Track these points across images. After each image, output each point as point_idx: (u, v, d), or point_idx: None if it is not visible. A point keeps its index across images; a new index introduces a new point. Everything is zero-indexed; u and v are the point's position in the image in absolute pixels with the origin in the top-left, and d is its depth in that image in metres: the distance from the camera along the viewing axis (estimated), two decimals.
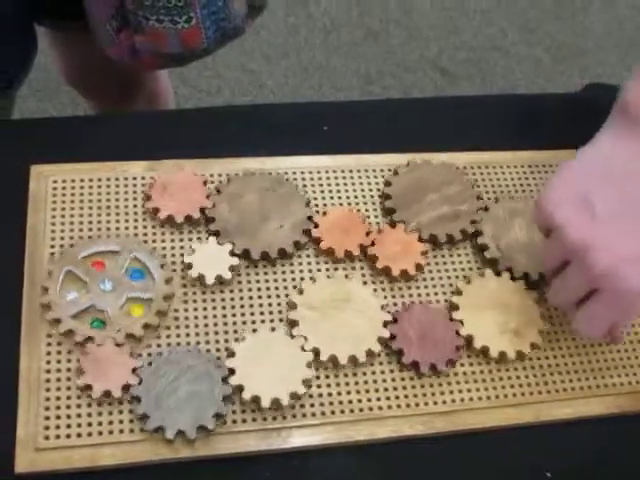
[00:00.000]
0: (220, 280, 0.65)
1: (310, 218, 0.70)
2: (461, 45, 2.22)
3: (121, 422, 0.58)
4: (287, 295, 0.66)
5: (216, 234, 0.67)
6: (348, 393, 0.62)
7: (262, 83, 2.05)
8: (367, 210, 0.72)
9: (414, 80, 2.12)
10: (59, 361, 0.60)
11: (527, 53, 2.24)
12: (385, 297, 0.67)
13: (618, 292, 0.58)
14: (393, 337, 0.64)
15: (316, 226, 0.69)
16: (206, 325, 0.64)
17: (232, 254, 0.66)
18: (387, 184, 0.73)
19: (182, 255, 0.66)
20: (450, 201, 0.72)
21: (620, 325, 0.63)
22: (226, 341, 0.63)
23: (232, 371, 0.60)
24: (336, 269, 0.68)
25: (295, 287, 0.67)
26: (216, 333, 0.63)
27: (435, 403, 0.63)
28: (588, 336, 0.66)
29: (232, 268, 0.65)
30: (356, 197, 0.73)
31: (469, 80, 2.15)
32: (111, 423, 0.58)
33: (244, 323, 0.64)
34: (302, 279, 0.67)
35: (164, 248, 0.67)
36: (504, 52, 2.23)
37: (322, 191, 0.73)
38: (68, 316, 0.61)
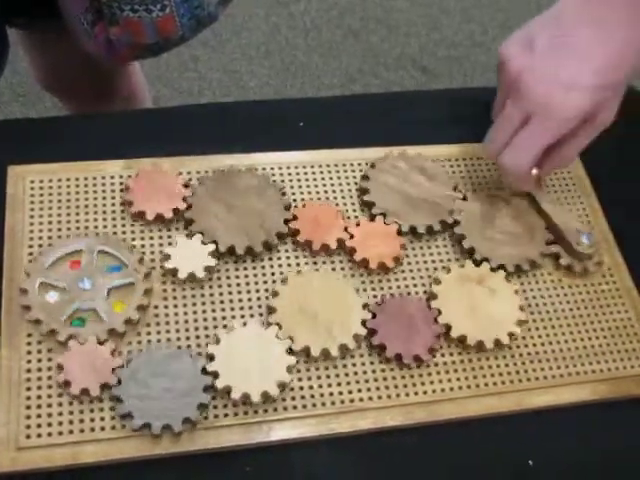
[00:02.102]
0: (199, 276, 0.65)
1: (288, 213, 0.70)
2: (441, 42, 2.22)
3: (102, 419, 0.58)
4: (266, 290, 0.66)
5: (194, 231, 0.67)
6: (329, 386, 0.63)
7: (244, 83, 2.05)
8: (345, 204, 0.73)
9: (395, 78, 2.13)
10: (39, 360, 0.60)
11: None
12: (364, 290, 0.68)
13: (546, 113, 0.63)
14: (372, 330, 0.65)
15: (294, 221, 0.69)
16: (186, 321, 0.64)
17: (211, 250, 0.66)
18: (364, 178, 0.73)
19: (161, 252, 0.66)
20: (428, 193, 0.73)
21: (546, 167, 0.69)
22: (207, 337, 0.63)
23: (213, 366, 0.60)
24: (315, 263, 0.69)
25: (274, 281, 0.67)
26: (196, 329, 0.63)
27: (416, 394, 0.63)
28: (513, 170, 0.67)
29: (210, 264, 0.65)
30: (334, 191, 0.73)
31: (450, 77, 2.16)
32: (92, 420, 0.58)
33: (224, 319, 0.64)
34: (281, 273, 0.67)
35: (143, 245, 0.67)
36: (485, 48, 2.24)
37: (300, 186, 0.73)
38: (50, 317, 0.61)
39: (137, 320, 0.63)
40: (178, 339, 0.63)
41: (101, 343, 0.60)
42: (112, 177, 0.70)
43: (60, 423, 0.58)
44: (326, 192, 0.73)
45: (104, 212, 0.68)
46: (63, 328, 0.61)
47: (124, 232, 0.67)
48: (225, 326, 0.63)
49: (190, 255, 0.65)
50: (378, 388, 0.63)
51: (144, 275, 0.64)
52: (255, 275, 0.67)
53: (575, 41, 0.63)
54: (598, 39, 0.63)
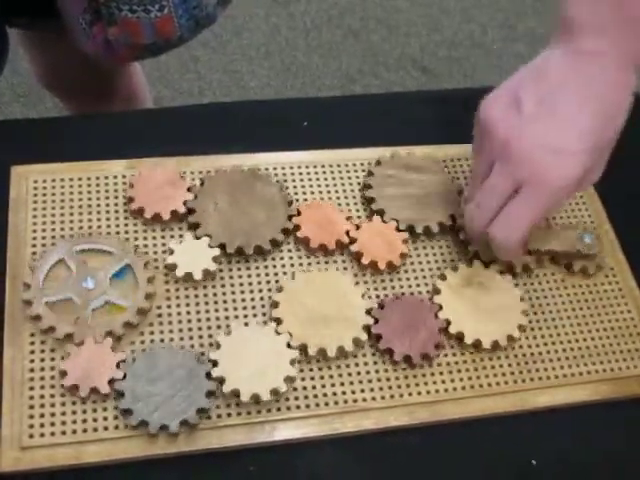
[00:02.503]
0: (202, 276, 0.65)
1: (291, 213, 0.70)
2: (442, 42, 2.23)
3: (105, 419, 0.58)
4: (269, 289, 0.66)
5: (197, 231, 0.67)
6: (332, 386, 0.63)
7: (244, 84, 2.05)
8: (348, 204, 0.73)
9: (395, 78, 2.13)
10: (42, 359, 0.60)
11: (508, 49, 2.25)
12: (367, 289, 0.68)
13: (539, 184, 0.59)
14: (376, 329, 0.65)
15: (297, 221, 0.69)
16: (189, 321, 0.64)
17: (213, 250, 0.66)
18: (369, 174, 0.74)
19: (164, 252, 0.66)
20: (430, 193, 0.73)
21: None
22: (209, 336, 0.63)
23: (216, 365, 0.60)
24: (318, 263, 0.69)
25: (277, 281, 0.67)
26: (199, 329, 0.63)
27: (419, 394, 0.63)
28: (504, 243, 0.63)
29: (213, 264, 0.65)
30: (337, 191, 0.73)
31: (450, 77, 2.16)
32: (95, 420, 0.58)
33: (227, 318, 0.64)
34: (284, 273, 0.67)
35: (145, 245, 0.67)
36: (485, 49, 2.24)
37: (303, 186, 0.73)
38: (79, 328, 0.61)
39: (154, 293, 0.64)
40: (181, 339, 0.63)
41: (102, 342, 0.61)
42: (115, 177, 0.70)
43: (63, 423, 0.58)
44: (329, 192, 0.73)
45: (107, 212, 0.68)
46: (65, 325, 0.61)
47: (127, 231, 0.67)
48: (228, 326, 0.63)
49: (191, 256, 0.65)
50: (381, 388, 0.63)
51: (134, 250, 0.65)
52: (258, 275, 0.67)
53: (562, 100, 0.60)
54: (585, 98, 0.60)
